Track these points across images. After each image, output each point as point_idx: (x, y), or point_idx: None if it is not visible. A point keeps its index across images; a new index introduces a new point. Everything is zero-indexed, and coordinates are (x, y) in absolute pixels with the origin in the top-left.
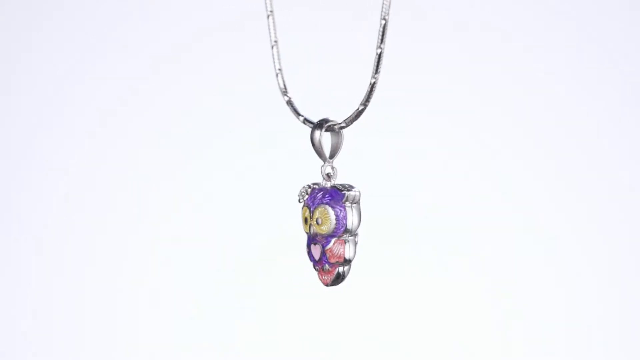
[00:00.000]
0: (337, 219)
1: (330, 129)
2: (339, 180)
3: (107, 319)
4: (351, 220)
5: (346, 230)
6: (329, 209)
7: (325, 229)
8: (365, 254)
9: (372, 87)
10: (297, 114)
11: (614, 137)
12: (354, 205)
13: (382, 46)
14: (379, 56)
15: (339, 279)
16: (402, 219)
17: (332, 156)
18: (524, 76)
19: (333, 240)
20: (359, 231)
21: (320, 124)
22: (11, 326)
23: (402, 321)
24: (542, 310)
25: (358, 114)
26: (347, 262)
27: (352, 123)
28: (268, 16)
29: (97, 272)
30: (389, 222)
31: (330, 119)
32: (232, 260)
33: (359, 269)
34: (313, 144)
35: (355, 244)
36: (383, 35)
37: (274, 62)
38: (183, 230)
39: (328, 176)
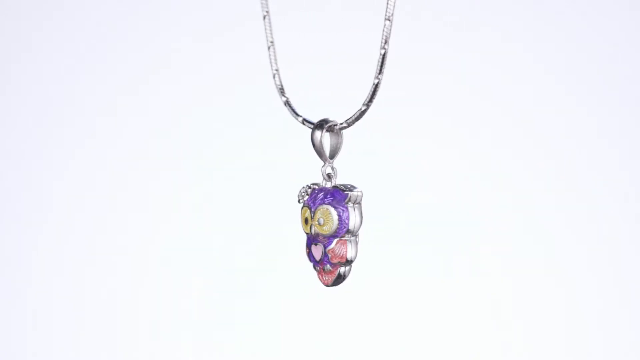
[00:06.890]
0: (340, 219)
1: (330, 129)
2: (339, 181)
3: (106, 320)
4: (353, 221)
5: (348, 231)
6: (332, 210)
7: (327, 229)
8: (365, 255)
9: (376, 87)
10: (296, 114)
11: (614, 137)
12: (356, 205)
13: (385, 47)
14: (383, 57)
15: (339, 279)
16: (402, 219)
17: (332, 156)
18: (524, 76)
19: (335, 240)
20: (360, 232)
21: (321, 124)
22: (11, 326)
23: (402, 321)
24: (542, 310)
25: (360, 114)
26: (349, 262)
27: (353, 123)
28: (264, 17)
29: (97, 272)
30: (390, 223)
31: (331, 119)
32: (232, 260)
33: (359, 269)
34: (314, 145)
35: (356, 244)
36: (387, 35)
37: (270, 63)
38: (183, 231)
39: (329, 176)
